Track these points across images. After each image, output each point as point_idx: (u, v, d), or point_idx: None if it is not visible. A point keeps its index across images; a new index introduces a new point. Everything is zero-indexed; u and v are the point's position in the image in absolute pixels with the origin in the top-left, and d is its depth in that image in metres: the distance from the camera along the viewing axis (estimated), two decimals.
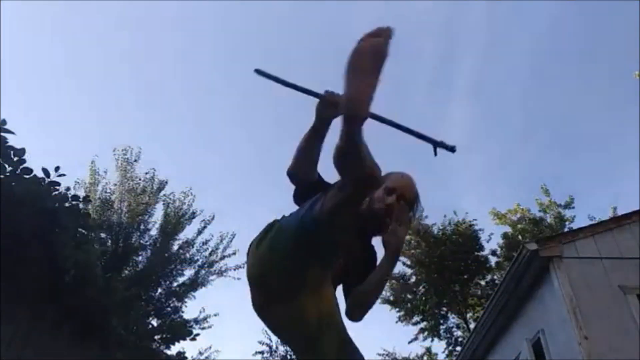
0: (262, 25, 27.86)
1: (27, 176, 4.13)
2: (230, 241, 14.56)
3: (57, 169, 4.40)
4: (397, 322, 19.81)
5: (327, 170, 1.72)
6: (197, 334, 7.93)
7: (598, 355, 6.17)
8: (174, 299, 13.37)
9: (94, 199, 12.48)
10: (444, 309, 19.96)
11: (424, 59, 28.09)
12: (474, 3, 24.24)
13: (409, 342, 19.89)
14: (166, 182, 14.20)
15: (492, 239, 20.07)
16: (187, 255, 13.94)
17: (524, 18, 26.09)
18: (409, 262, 19.98)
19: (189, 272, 13.89)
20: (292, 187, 1.96)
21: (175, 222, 13.86)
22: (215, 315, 13.49)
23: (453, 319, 20.14)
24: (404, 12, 25.99)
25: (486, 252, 20.06)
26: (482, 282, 20.16)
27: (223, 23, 27.81)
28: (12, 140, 4.07)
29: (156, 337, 8.90)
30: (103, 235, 12.18)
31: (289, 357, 17.05)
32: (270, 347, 17.33)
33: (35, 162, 4.22)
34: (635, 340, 6.28)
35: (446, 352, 19.64)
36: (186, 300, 13.55)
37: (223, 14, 26.65)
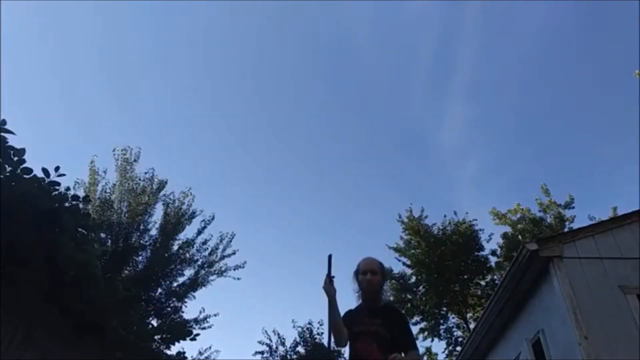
0: (262, 23, 27.86)
1: (27, 176, 4.12)
2: (230, 241, 14.57)
3: (57, 169, 4.38)
4: None
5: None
6: (197, 334, 7.91)
7: (598, 355, 6.16)
8: (174, 299, 13.36)
9: (93, 199, 12.48)
10: (444, 309, 19.94)
11: (420, 60, 28.14)
12: (470, 3, 24.25)
13: None
14: (166, 182, 14.19)
15: (492, 239, 20.08)
16: (187, 255, 13.93)
17: (521, 18, 26.12)
18: (409, 262, 19.96)
19: (189, 272, 13.91)
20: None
21: (175, 222, 13.85)
22: (215, 315, 13.50)
23: (453, 319, 20.13)
24: (400, 13, 26.01)
25: (486, 252, 20.07)
26: (482, 282, 20.13)
27: (224, 23, 27.80)
28: (12, 140, 4.07)
29: (156, 337, 8.88)
30: (103, 235, 12.17)
31: (288, 357, 17.04)
32: (270, 347, 17.29)
33: (35, 162, 4.22)
34: (635, 340, 6.27)
35: (446, 352, 19.64)
36: (186, 300, 13.57)
37: (227, 16, 26.65)
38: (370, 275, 3.09)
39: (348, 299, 3.22)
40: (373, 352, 2.82)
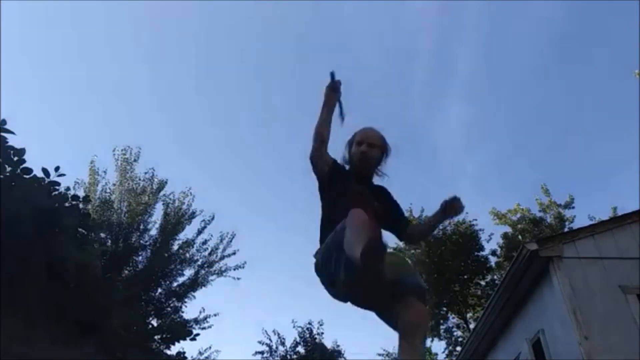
0: (260, 22, 27.88)
1: (27, 176, 4.13)
2: (230, 241, 14.54)
3: (57, 169, 4.39)
4: None
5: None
6: (197, 334, 7.92)
7: (598, 355, 6.16)
8: (174, 299, 13.34)
9: (93, 199, 12.46)
10: (444, 309, 19.94)
11: (420, 58, 28.14)
12: (470, 2, 24.23)
13: None
14: (166, 182, 14.17)
15: (492, 239, 20.09)
16: (187, 255, 13.91)
17: (521, 17, 26.13)
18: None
19: (189, 272, 13.87)
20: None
21: (175, 222, 13.83)
22: (215, 315, 13.48)
23: (453, 319, 20.13)
24: (399, 11, 26.01)
25: (486, 252, 20.08)
26: (482, 282, 20.15)
27: (225, 21, 27.83)
28: (12, 140, 4.07)
29: (156, 337, 8.88)
30: (103, 235, 12.16)
31: (288, 357, 17.03)
32: (270, 347, 17.29)
33: (35, 162, 4.23)
34: (635, 340, 6.28)
35: (446, 352, 19.65)
36: (186, 300, 13.54)
37: (225, 13, 26.66)
38: (366, 146, 2.42)
39: None
40: (370, 216, 2.07)
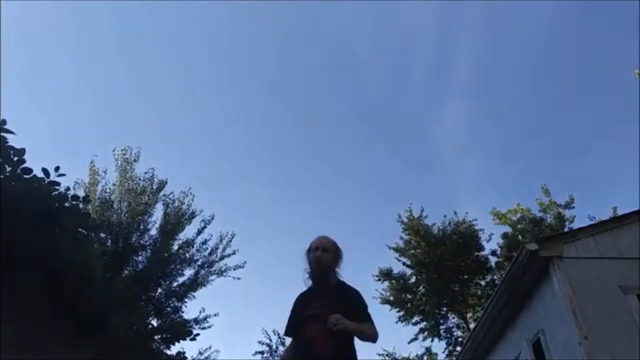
0: (260, 23, 27.89)
1: (27, 176, 4.13)
2: (230, 241, 14.55)
3: (57, 169, 4.39)
4: (397, 322, 19.79)
5: None
6: (197, 334, 7.94)
7: (598, 355, 6.16)
8: (174, 299, 13.35)
9: (93, 199, 12.47)
10: (444, 309, 19.93)
11: (420, 59, 28.12)
12: (470, 2, 24.20)
13: (409, 342, 19.87)
14: (166, 182, 14.18)
15: (492, 239, 20.08)
16: (187, 255, 13.92)
17: (521, 17, 26.11)
18: (409, 262, 19.96)
19: (189, 272, 13.89)
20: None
21: (175, 222, 13.84)
22: (215, 315, 13.49)
23: (453, 319, 20.12)
24: (399, 11, 26.01)
25: (486, 252, 20.07)
26: (482, 282, 20.13)
27: (225, 22, 27.84)
28: (12, 140, 4.07)
29: (156, 337, 8.90)
30: (103, 235, 12.16)
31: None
32: (270, 347, 17.29)
33: (35, 162, 4.23)
34: (635, 340, 6.28)
35: (446, 352, 19.62)
36: (186, 300, 13.55)
37: (225, 14, 26.67)
38: (320, 252, 2.91)
39: None
40: (318, 336, 2.68)
